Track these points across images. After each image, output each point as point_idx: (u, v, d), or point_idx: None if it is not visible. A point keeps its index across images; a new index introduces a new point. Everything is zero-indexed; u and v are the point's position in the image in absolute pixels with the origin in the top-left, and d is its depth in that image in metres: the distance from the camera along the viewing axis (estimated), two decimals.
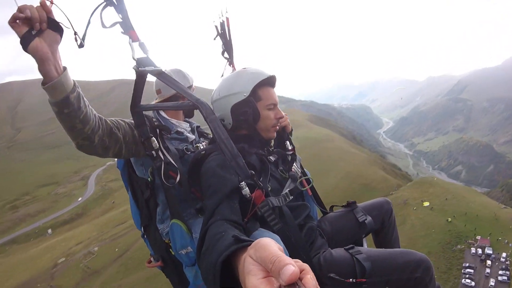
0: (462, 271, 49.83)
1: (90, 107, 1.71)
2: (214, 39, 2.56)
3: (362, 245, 2.33)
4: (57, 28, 1.46)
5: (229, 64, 2.67)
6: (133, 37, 1.74)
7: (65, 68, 1.52)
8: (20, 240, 77.53)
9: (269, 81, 2.08)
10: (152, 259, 2.45)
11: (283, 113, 2.32)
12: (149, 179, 2.24)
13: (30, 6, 1.38)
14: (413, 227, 56.59)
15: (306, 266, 0.63)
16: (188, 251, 2.01)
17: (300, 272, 0.61)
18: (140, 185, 2.40)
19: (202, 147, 2.36)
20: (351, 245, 1.93)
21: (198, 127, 2.70)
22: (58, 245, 64.74)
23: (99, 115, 1.82)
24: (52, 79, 1.46)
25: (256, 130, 2.09)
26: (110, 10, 1.65)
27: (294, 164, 2.27)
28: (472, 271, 49.46)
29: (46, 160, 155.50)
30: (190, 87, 2.59)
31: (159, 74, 1.82)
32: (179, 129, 2.40)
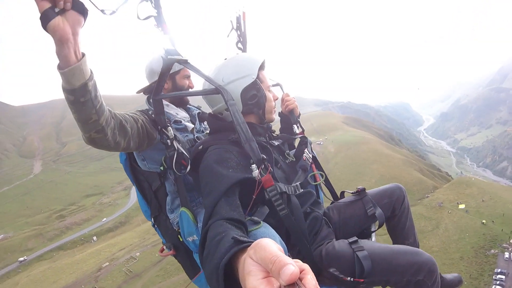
0: (494, 277, 46.74)
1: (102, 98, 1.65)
2: (228, 35, 2.52)
3: (370, 236, 2.31)
4: (81, 10, 1.34)
5: None
6: (165, 30, 1.85)
7: (84, 54, 1.43)
8: (66, 247, 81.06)
9: (263, 65, 2.10)
10: (164, 247, 2.49)
11: (289, 94, 2.53)
12: (161, 168, 2.25)
13: None
14: (447, 231, 55.22)
15: (306, 266, 0.63)
16: (194, 239, 2.04)
17: (300, 272, 0.61)
18: (146, 177, 2.41)
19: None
20: (355, 239, 1.89)
21: (199, 113, 2.67)
22: (102, 251, 67.84)
23: (108, 108, 1.75)
24: (70, 63, 1.37)
25: (264, 114, 2.08)
26: (145, 4, 1.75)
27: (306, 150, 2.23)
28: (503, 277, 46.31)
29: (91, 171, 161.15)
30: (177, 71, 2.52)
31: (185, 62, 1.90)
32: (177, 119, 2.39)
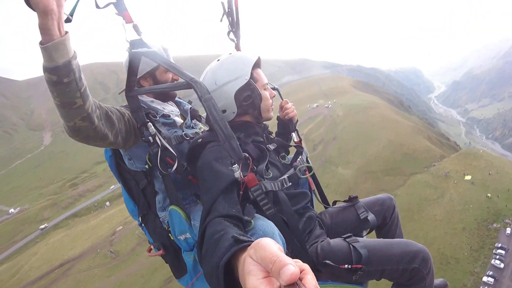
0: (494, 251, 47.80)
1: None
2: (221, 20, 2.42)
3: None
4: None
5: (236, 47, 2.55)
6: (127, 19, 1.69)
7: (67, 32, 1.37)
8: (81, 214, 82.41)
9: (258, 63, 2.06)
10: (152, 247, 2.41)
11: (289, 101, 2.47)
12: (146, 166, 2.16)
13: None
14: (451, 201, 55.57)
15: (306, 266, 0.63)
16: (187, 237, 2.00)
17: (301, 272, 0.61)
18: (132, 175, 2.30)
19: (201, 134, 2.32)
20: (349, 234, 1.93)
21: (191, 108, 2.57)
22: (116, 216, 68.62)
23: (93, 98, 1.65)
24: (54, 37, 1.30)
25: (260, 114, 2.07)
26: None
27: (300, 157, 2.24)
28: (503, 252, 47.34)
29: None
30: (156, 67, 2.36)
31: (153, 56, 1.77)
32: (165, 113, 2.30)
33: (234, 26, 2.48)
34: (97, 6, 1.59)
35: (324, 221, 2.29)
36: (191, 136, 2.26)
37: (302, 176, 2.01)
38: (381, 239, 1.97)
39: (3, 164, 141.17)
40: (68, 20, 1.41)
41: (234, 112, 1.97)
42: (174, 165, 1.96)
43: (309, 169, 2.23)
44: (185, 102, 2.62)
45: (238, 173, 1.55)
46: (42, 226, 78.85)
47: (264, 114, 2.09)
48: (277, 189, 1.75)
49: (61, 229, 75.78)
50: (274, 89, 2.42)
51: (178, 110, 2.53)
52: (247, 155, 1.63)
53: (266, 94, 2.07)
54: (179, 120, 2.39)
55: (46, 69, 1.35)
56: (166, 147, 1.96)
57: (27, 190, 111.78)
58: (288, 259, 0.61)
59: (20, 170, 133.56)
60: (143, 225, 2.41)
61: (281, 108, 2.48)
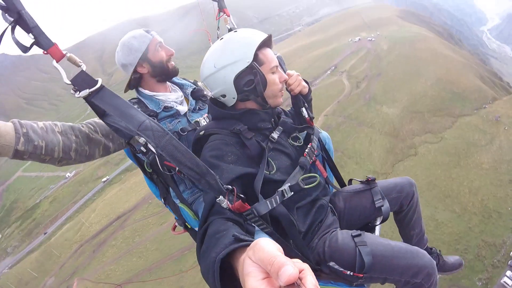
0: None
1: (50, 129, 1.63)
2: None
3: (374, 229, 2.27)
4: None
5: (220, 10, 2.42)
6: (56, 55, 1.38)
7: None
8: (132, 168, 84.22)
9: (266, 42, 1.88)
10: (176, 224, 2.49)
11: (292, 73, 2.20)
12: (149, 170, 2.20)
13: None
14: (500, 149, 52.16)
15: (305, 266, 0.64)
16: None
17: (300, 272, 0.61)
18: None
19: (203, 123, 2.29)
20: (359, 233, 1.86)
21: (194, 90, 2.53)
22: None
23: (72, 124, 1.77)
24: None
25: (264, 100, 1.89)
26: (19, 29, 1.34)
27: (311, 144, 2.07)
28: None
29: None
30: (146, 50, 2.26)
31: (99, 94, 1.44)
32: (166, 104, 2.30)
33: None
34: (24, 51, 1.40)
35: (336, 205, 2.20)
36: (189, 129, 2.25)
37: (306, 186, 1.85)
38: (389, 243, 1.82)
39: None
40: None
41: (234, 98, 1.83)
42: (176, 168, 1.92)
43: (327, 158, 2.30)
44: (188, 84, 2.58)
45: (225, 204, 1.42)
46: (104, 179, 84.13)
47: (271, 100, 1.90)
48: (274, 207, 1.63)
49: (115, 184, 79.92)
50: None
51: (181, 94, 2.49)
52: (229, 187, 1.45)
53: (273, 78, 1.86)
54: (182, 108, 2.37)
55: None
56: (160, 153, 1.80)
57: None
58: (286, 260, 0.61)
59: None
60: (166, 204, 2.39)
61: (284, 82, 2.10)
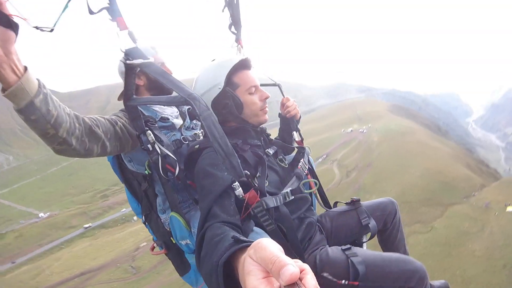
0: None
1: (62, 106, 1.57)
2: (223, 10, 2.39)
3: (361, 246, 2.30)
4: (9, 24, 1.21)
5: (236, 41, 2.48)
6: (121, 25, 1.59)
7: (26, 68, 1.34)
8: (108, 225, 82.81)
9: (243, 65, 1.99)
10: (155, 245, 2.47)
11: (290, 98, 2.39)
12: (146, 172, 2.17)
13: None
14: (492, 235, 51.67)
15: (306, 266, 0.63)
16: (188, 243, 2.02)
17: (300, 272, 0.61)
18: (135, 175, 2.34)
19: (199, 137, 2.32)
20: (349, 246, 1.90)
21: (189, 108, 2.51)
22: (141, 231, 67.98)
23: (76, 113, 1.69)
24: (10, 84, 1.30)
25: (244, 120, 1.99)
26: None
27: (302, 160, 2.18)
28: None
29: None
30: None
31: (149, 66, 1.65)
32: (163, 116, 2.28)
33: (235, 18, 2.42)
34: (91, 12, 1.54)
35: (324, 225, 2.27)
36: (190, 139, 2.25)
37: (306, 192, 2.05)
38: (380, 253, 1.92)
39: (39, 169, 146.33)
40: (50, 30, 1.40)
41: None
42: (175, 172, 1.97)
43: (313, 176, 2.29)
44: None
45: (239, 191, 1.53)
46: (87, 225, 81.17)
47: (252, 119, 2.02)
48: (279, 204, 1.72)
49: (87, 238, 76.61)
50: (273, 85, 2.50)
51: (177, 110, 2.51)
52: (248, 173, 1.59)
53: (251, 99, 1.98)
54: (178, 122, 2.39)
55: (15, 110, 1.39)
56: (166, 154, 1.97)
57: (60, 196, 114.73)
58: (288, 259, 0.61)
59: (55, 176, 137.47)
60: (147, 223, 2.45)
61: (282, 105, 2.45)
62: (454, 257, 51.59)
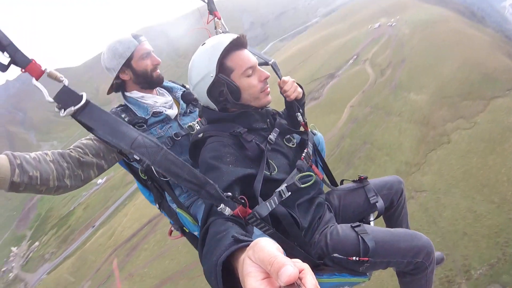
0: None
1: (42, 158, 1.58)
2: None
3: (368, 223, 2.32)
4: None
5: (210, 12, 2.37)
6: (35, 72, 1.25)
7: None
8: None
9: (236, 45, 1.81)
10: (172, 228, 2.47)
11: (287, 79, 2.17)
12: (144, 177, 2.19)
13: None
14: None
15: (305, 265, 0.64)
16: (198, 234, 2.09)
17: (300, 272, 0.62)
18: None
19: (197, 127, 2.29)
20: (358, 223, 1.97)
21: (183, 93, 2.48)
22: None
23: (60, 151, 1.72)
24: None
25: (244, 105, 1.88)
26: None
27: (306, 149, 2.07)
28: None
29: None
30: (130, 56, 2.20)
31: (84, 112, 1.29)
32: (155, 110, 2.25)
33: None
34: (3, 71, 1.27)
35: (332, 204, 2.30)
36: (183, 133, 2.24)
37: (302, 185, 1.87)
38: (388, 230, 1.97)
39: None
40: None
41: (215, 108, 1.88)
42: None
43: (321, 159, 2.37)
44: (177, 87, 2.56)
45: (228, 211, 1.41)
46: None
47: (253, 102, 1.88)
48: (274, 207, 1.63)
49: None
50: (264, 64, 2.31)
51: (171, 98, 2.44)
52: (230, 194, 1.44)
53: (248, 81, 1.84)
54: (172, 112, 2.34)
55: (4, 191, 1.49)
56: None
57: None
58: (286, 260, 0.62)
59: None
60: (161, 209, 2.39)
61: (280, 88, 2.22)
62: (499, 154, 49.83)
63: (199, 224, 2.04)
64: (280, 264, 0.60)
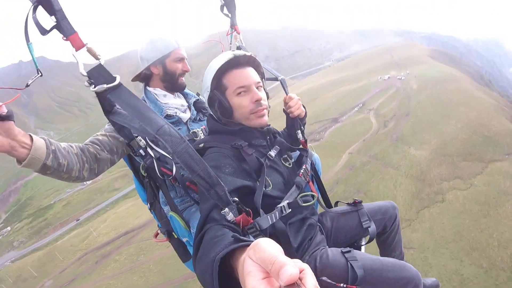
0: None
1: (70, 150, 1.73)
2: None
3: (359, 249, 2.31)
4: (5, 117, 1.31)
5: (231, 26, 2.39)
6: (76, 44, 1.34)
7: (31, 138, 1.47)
8: (131, 195, 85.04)
9: (235, 64, 1.87)
10: (159, 231, 2.46)
11: (294, 96, 2.25)
12: (144, 174, 2.22)
13: None
14: None
15: (306, 266, 0.64)
16: (188, 240, 2.13)
17: (300, 272, 0.61)
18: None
19: (200, 134, 2.36)
20: (349, 249, 1.92)
21: (197, 101, 2.58)
22: None
23: (81, 146, 1.85)
24: (23, 158, 1.44)
25: (235, 123, 1.92)
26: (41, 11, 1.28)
27: (305, 166, 2.10)
28: None
29: None
30: (167, 55, 2.35)
31: (115, 92, 1.41)
32: (169, 112, 2.32)
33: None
34: (43, 33, 1.33)
35: (324, 225, 2.27)
36: (190, 134, 2.33)
37: (304, 204, 1.88)
38: (378, 258, 1.94)
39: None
40: (39, 72, 1.40)
41: (219, 118, 1.95)
42: (170, 175, 2.03)
43: (317, 178, 2.37)
44: (192, 94, 2.64)
45: (230, 216, 1.42)
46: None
47: (244, 122, 1.91)
48: (274, 221, 1.66)
49: (130, 199, 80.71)
50: (273, 79, 2.38)
51: (186, 103, 2.54)
52: (236, 199, 1.48)
53: (239, 101, 1.87)
54: (185, 116, 2.42)
55: (33, 171, 1.56)
56: (160, 155, 2.04)
57: None
58: (287, 260, 0.61)
59: None
60: (152, 210, 2.43)
61: (285, 104, 2.28)
62: (492, 218, 49.26)
63: (190, 230, 2.08)
64: (281, 264, 0.60)
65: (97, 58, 1.42)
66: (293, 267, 0.59)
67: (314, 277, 0.62)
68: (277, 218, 1.69)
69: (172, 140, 1.34)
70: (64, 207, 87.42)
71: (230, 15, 2.37)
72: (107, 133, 2.05)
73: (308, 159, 2.20)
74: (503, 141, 64.66)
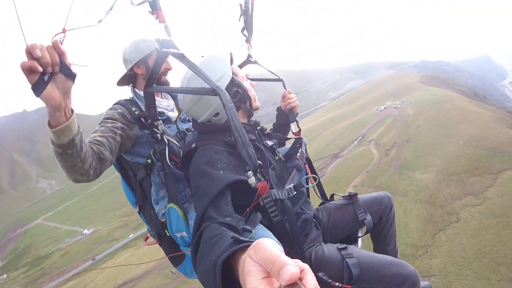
0: None
1: (85, 141, 1.74)
2: (239, 19, 2.51)
3: (356, 241, 2.36)
4: (69, 74, 1.35)
5: (246, 41, 2.62)
6: (160, 18, 1.70)
7: (73, 111, 1.51)
8: (131, 245, 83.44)
9: (231, 57, 2.10)
10: (148, 235, 2.50)
11: (292, 92, 2.52)
12: (148, 161, 2.27)
13: (40, 46, 1.23)
14: None
15: (306, 266, 0.63)
16: (183, 235, 2.04)
17: (300, 272, 0.61)
18: (131, 165, 2.41)
19: (189, 134, 2.42)
20: (345, 246, 1.95)
21: None
22: None
23: (88, 143, 1.84)
24: (61, 123, 1.45)
25: (251, 105, 2.08)
26: None
27: (300, 150, 2.28)
28: None
29: None
30: (149, 54, 2.43)
31: (181, 57, 1.75)
32: (159, 109, 2.34)
33: (247, 23, 2.52)
34: (132, 3, 1.66)
35: (320, 220, 2.32)
36: (183, 132, 2.41)
37: (307, 186, 2.01)
38: (375, 255, 1.96)
39: (82, 189, 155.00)
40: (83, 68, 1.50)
41: (206, 122, 2.00)
42: (178, 163, 2.09)
43: (310, 164, 2.37)
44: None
45: (252, 180, 1.58)
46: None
47: (253, 104, 2.10)
48: (284, 198, 1.75)
49: (129, 248, 78.85)
50: (278, 80, 2.71)
51: (173, 103, 2.62)
52: (261, 163, 1.63)
53: (248, 84, 2.09)
54: (173, 115, 2.51)
55: (53, 143, 1.55)
56: (174, 144, 2.13)
57: (103, 212, 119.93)
58: (288, 260, 0.61)
59: (97, 193, 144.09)
60: (141, 213, 2.47)
61: (283, 98, 2.54)
62: None
63: (188, 222, 2.05)
64: (282, 264, 0.60)
65: (169, 36, 1.75)
66: (294, 266, 0.59)
67: (314, 277, 0.62)
68: (286, 196, 1.76)
69: (226, 97, 1.61)
70: (62, 256, 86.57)
71: (247, 35, 2.57)
72: (104, 134, 2.07)
73: (303, 145, 2.35)
74: (508, 149, 62.74)
